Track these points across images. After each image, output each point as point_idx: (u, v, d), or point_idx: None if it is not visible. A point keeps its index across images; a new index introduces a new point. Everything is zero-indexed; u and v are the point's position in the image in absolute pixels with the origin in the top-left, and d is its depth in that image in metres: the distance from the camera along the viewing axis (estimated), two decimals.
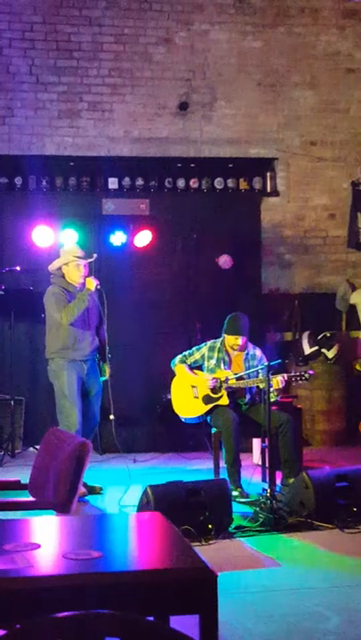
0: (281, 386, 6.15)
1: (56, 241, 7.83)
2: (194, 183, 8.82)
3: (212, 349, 6.55)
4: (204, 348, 6.59)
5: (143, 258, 8.45)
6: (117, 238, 8.25)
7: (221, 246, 8.67)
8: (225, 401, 6.35)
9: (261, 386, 6.14)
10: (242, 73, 9.13)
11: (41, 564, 2.44)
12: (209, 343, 6.63)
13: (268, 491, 5.43)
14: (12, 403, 7.89)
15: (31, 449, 7.75)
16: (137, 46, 8.93)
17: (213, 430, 6.45)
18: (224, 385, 6.35)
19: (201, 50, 9.04)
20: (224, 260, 8.62)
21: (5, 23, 8.70)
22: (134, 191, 8.72)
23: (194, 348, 6.69)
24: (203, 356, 6.57)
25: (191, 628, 2.07)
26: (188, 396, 6.51)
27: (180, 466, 7.47)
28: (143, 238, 8.33)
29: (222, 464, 6.30)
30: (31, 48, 8.76)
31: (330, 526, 5.24)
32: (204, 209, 8.74)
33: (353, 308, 9.03)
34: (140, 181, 8.72)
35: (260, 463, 6.41)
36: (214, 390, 6.39)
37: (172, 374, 6.65)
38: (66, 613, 1.71)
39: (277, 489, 5.91)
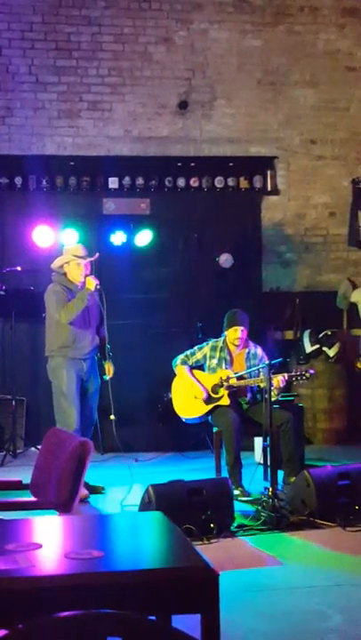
0: (282, 385, 6.15)
1: (56, 241, 7.84)
2: (194, 182, 8.82)
3: (214, 349, 6.55)
4: (206, 348, 6.59)
5: (144, 257, 8.45)
6: (118, 238, 8.25)
7: (222, 245, 8.67)
8: (226, 401, 6.35)
9: (262, 385, 6.14)
10: (242, 72, 9.13)
11: (43, 563, 2.44)
12: (211, 342, 6.63)
13: (270, 489, 5.43)
14: (14, 403, 7.89)
15: (33, 449, 7.76)
16: (136, 46, 8.94)
17: (215, 429, 6.45)
18: (225, 384, 6.35)
19: (201, 49, 9.04)
20: (225, 259, 8.62)
21: (5, 23, 8.70)
22: (135, 190, 8.72)
23: (195, 348, 6.69)
24: (205, 356, 6.57)
25: (193, 628, 2.07)
26: (188, 396, 6.51)
27: (182, 465, 7.47)
28: (144, 237, 8.34)
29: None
30: (31, 48, 8.76)
31: (332, 525, 5.24)
32: (204, 208, 8.74)
33: (354, 306, 9.03)
34: (140, 181, 8.72)
35: (261, 462, 6.40)
36: (215, 390, 6.39)
37: (173, 373, 6.65)
38: (68, 613, 1.71)
39: (279, 488, 5.91)
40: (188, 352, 6.66)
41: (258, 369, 6.31)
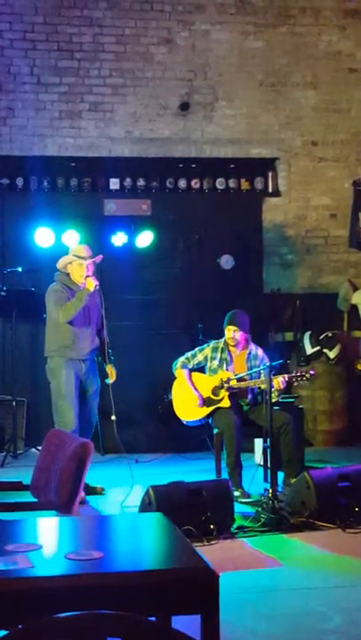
0: (282, 386, 6.16)
1: (57, 242, 7.84)
2: (195, 183, 8.82)
3: (215, 350, 6.55)
4: (207, 349, 6.60)
5: (145, 258, 8.45)
6: (119, 239, 8.25)
7: (223, 246, 8.67)
8: (226, 403, 6.35)
9: (263, 387, 6.14)
10: (243, 73, 9.13)
11: (43, 564, 2.45)
12: (212, 344, 6.63)
13: (270, 491, 5.42)
14: (14, 403, 7.90)
15: (33, 450, 7.76)
16: (138, 47, 8.94)
17: (215, 431, 6.45)
18: (225, 386, 6.35)
19: (202, 50, 9.05)
20: (226, 260, 8.62)
21: (7, 24, 8.71)
22: (136, 191, 8.72)
23: (196, 349, 6.69)
24: (206, 357, 6.57)
25: (193, 629, 2.07)
26: (189, 399, 6.51)
27: (182, 466, 7.47)
28: (145, 239, 8.34)
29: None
30: (32, 49, 8.77)
31: (332, 526, 5.24)
32: (205, 209, 8.74)
33: (355, 308, 9.03)
34: (141, 182, 8.72)
35: (261, 463, 6.41)
36: (215, 392, 6.40)
37: (174, 375, 6.66)
38: (68, 614, 1.71)
39: (279, 489, 5.91)
40: (189, 354, 6.66)
41: (258, 370, 6.31)
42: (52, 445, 3.94)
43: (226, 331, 6.52)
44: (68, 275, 6.31)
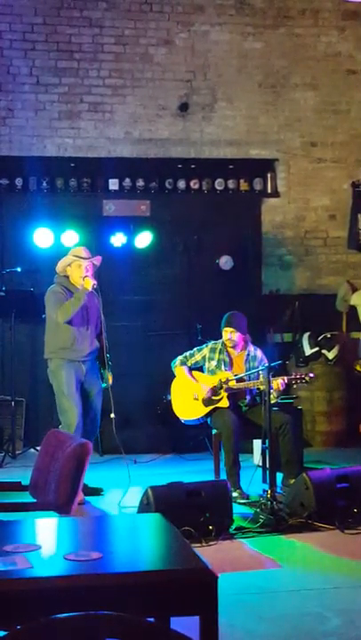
0: (281, 388, 6.15)
1: (57, 242, 7.85)
2: (194, 184, 8.83)
3: (213, 351, 6.55)
4: (205, 350, 6.60)
5: (144, 259, 8.46)
6: (118, 239, 8.25)
7: (222, 247, 8.67)
8: (225, 403, 6.35)
9: (262, 388, 6.14)
10: (242, 74, 9.14)
11: (41, 565, 2.44)
12: (210, 344, 6.63)
13: (269, 492, 5.42)
14: (13, 404, 7.89)
15: (32, 450, 7.76)
16: (137, 47, 8.94)
17: (214, 431, 6.45)
18: (224, 386, 6.35)
19: (201, 51, 9.05)
20: (225, 261, 8.63)
21: (6, 24, 8.71)
22: (135, 192, 8.72)
23: (195, 349, 6.70)
24: (204, 358, 6.57)
25: (192, 630, 2.07)
26: (188, 398, 6.51)
27: (181, 467, 7.47)
28: (144, 239, 8.34)
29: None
30: (32, 49, 8.77)
31: (330, 527, 5.24)
32: (204, 210, 8.74)
33: (353, 309, 9.03)
34: (140, 182, 8.72)
35: (260, 464, 6.41)
36: (214, 392, 6.40)
37: (173, 375, 6.66)
38: (66, 614, 1.71)
39: (278, 490, 5.91)
40: (188, 353, 6.66)
41: (257, 371, 6.31)
42: (50, 446, 3.94)
43: (223, 332, 6.52)
44: (67, 277, 6.31)
